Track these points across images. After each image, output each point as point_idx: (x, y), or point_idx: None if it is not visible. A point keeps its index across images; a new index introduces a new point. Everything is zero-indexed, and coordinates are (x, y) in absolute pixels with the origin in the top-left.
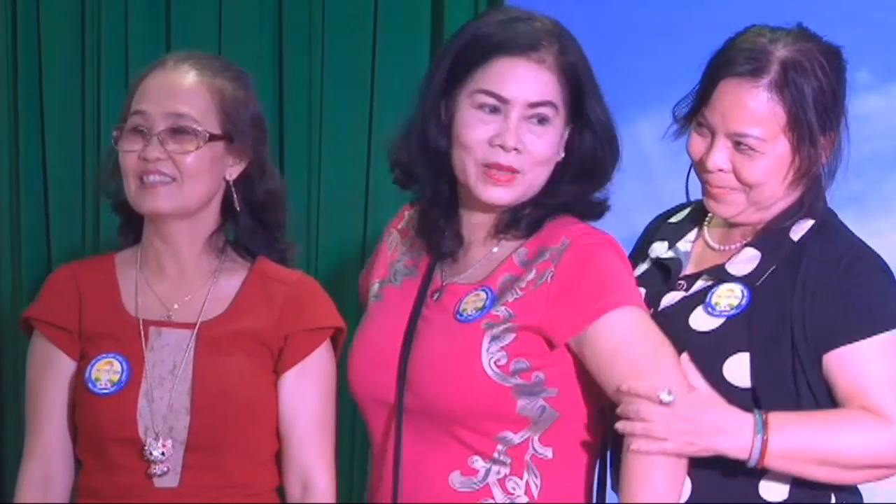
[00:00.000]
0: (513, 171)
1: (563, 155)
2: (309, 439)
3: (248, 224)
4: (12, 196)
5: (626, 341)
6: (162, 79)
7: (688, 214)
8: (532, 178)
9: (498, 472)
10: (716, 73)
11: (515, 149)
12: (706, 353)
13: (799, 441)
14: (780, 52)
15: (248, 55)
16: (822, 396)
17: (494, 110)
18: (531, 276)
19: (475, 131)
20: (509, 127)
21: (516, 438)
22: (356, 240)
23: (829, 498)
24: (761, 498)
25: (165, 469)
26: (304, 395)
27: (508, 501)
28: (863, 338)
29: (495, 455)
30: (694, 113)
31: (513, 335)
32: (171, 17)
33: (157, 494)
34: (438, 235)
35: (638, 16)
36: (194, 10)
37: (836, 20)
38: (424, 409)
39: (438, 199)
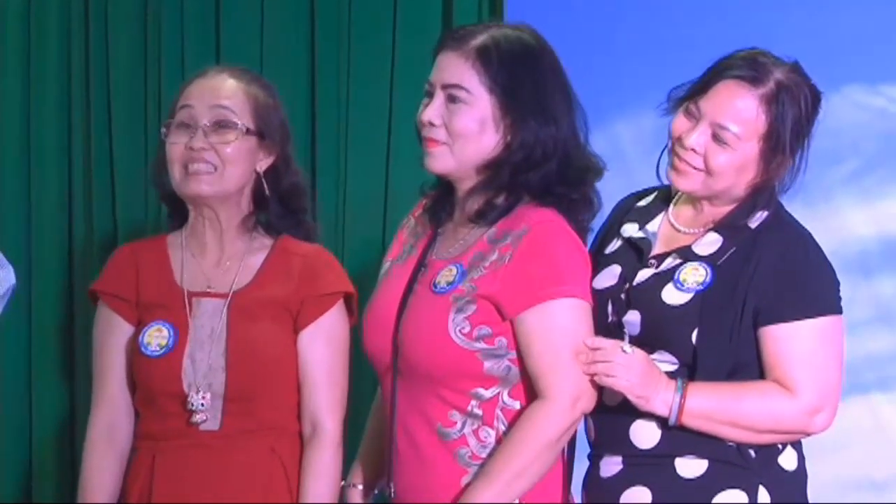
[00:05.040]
0: (432, 141)
1: (507, 137)
2: (319, 388)
3: (277, 209)
4: (85, 183)
5: (553, 338)
6: (205, 83)
7: (654, 199)
8: (459, 151)
9: (472, 424)
10: (719, 73)
11: (431, 122)
12: (677, 323)
13: (710, 404)
14: (778, 75)
15: (286, 77)
16: (753, 364)
17: (429, 95)
18: (494, 256)
19: (418, 114)
20: (429, 105)
21: (487, 394)
22: (376, 242)
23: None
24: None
25: (205, 417)
26: (316, 350)
27: (481, 447)
28: (796, 319)
29: (469, 409)
30: (687, 98)
31: (474, 306)
32: (220, 31)
33: (201, 436)
34: (439, 209)
35: (616, 21)
36: (239, 32)
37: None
38: (411, 371)
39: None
